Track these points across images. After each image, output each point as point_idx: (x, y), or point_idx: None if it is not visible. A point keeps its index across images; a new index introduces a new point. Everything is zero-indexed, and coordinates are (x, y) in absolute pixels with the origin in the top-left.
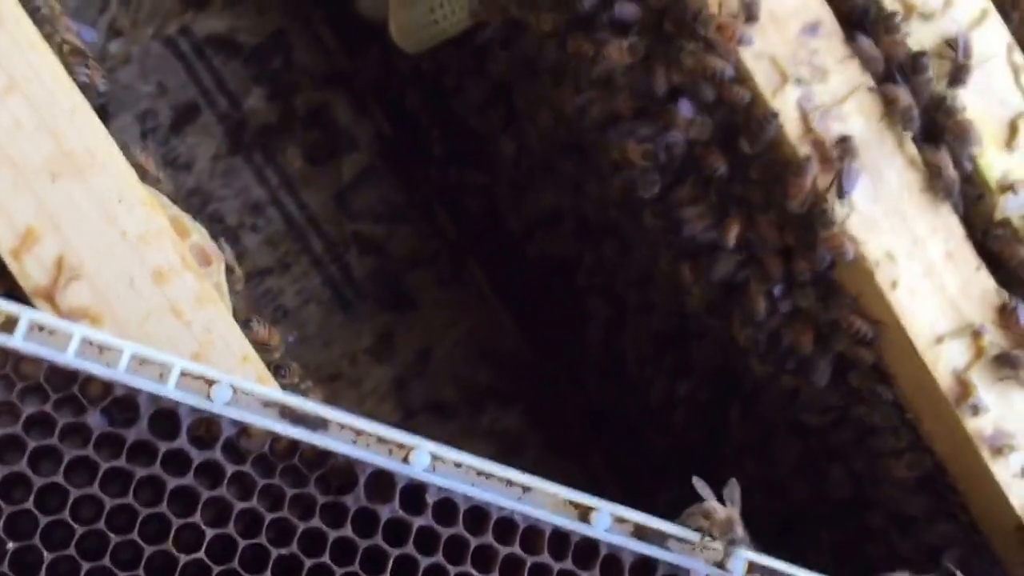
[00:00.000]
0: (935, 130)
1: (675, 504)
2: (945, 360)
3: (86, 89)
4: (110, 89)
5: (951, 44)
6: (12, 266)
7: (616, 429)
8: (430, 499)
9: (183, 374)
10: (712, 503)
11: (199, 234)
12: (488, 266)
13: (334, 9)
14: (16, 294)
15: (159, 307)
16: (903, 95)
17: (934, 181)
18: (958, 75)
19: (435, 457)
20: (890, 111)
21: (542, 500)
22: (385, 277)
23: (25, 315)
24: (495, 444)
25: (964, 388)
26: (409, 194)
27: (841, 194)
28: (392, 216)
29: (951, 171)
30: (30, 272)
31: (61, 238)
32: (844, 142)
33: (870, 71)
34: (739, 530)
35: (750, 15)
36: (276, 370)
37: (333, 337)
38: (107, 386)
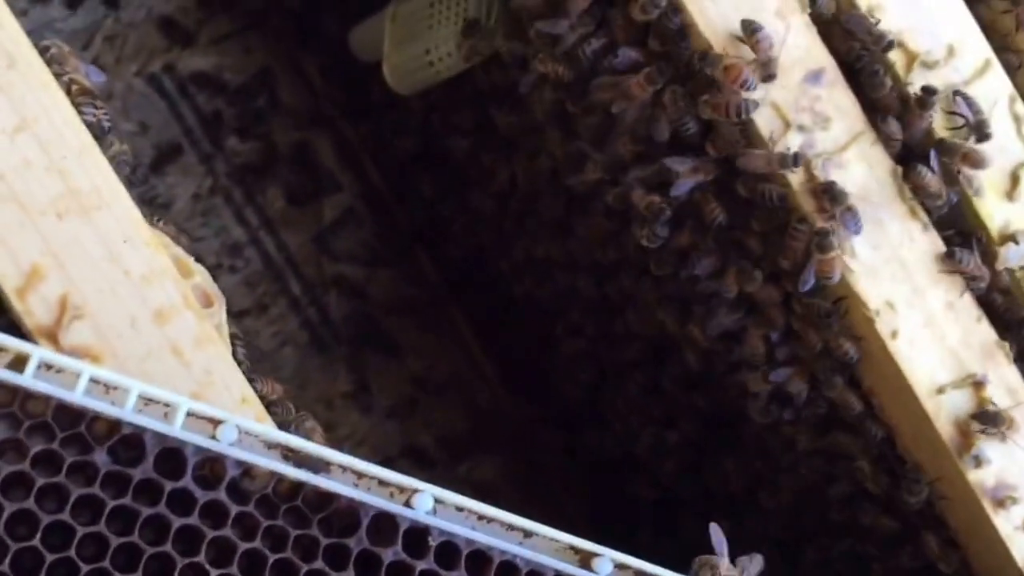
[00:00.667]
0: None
1: (652, 547)
2: (947, 410)
3: (93, 128)
4: (113, 128)
5: (955, 112)
6: (16, 304)
7: (600, 479)
8: (432, 542)
9: (189, 414)
10: (724, 561)
11: (201, 275)
12: (470, 311)
13: (321, 48)
14: (18, 331)
15: (160, 347)
16: (931, 180)
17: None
18: (981, 129)
19: (437, 500)
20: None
21: (544, 545)
22: (364, 321)
23: (36, 353)
24: (471, 492)
25: (966, 439)
26: (391, 237)
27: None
28: (373, 259)
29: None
30: (34, 310)
31: (65, 277)
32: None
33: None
34: None
35: (768, 74)
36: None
37: (309, 380)
38: (113, 425)
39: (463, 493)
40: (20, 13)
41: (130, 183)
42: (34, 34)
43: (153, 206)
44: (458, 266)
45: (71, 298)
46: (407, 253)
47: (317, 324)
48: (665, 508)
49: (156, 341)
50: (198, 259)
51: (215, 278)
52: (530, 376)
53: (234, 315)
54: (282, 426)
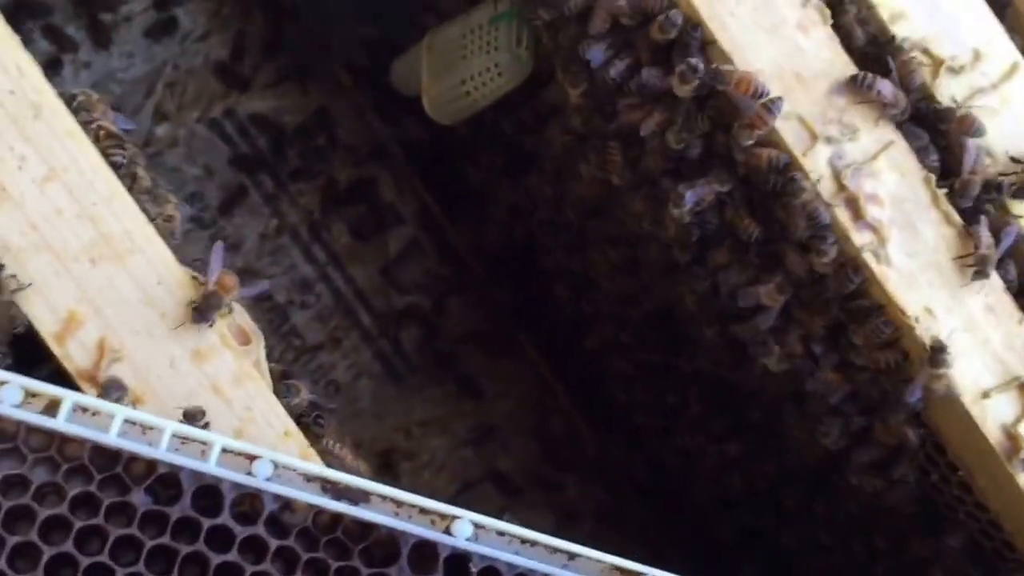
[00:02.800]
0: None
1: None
2: (993, 415)
3: (121, 171)
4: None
5: (1017, 159)
6: (56, 350)
7: (671, 501)
8: (474, 568)
9: (224, 451)
10: None
11: (238, 313)
12: (539, 336)
13: (376, 85)
14: (61, 376)
15: (200, 386)
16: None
17: (970, 257)
18: None
19: (477, 526)
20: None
21: (588, 567)
22: (436, 349)
23: (68, 398)
24: (551, 515)
25: (1015, 443)
26: (456, 266)
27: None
28: (439, 288)
29: (988, 246)
30: (73, 355)
31: (102, 321)
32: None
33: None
34: None
35: None
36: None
37: (386, 410)
38: (150, 465)
39: (545, 519)
40: (83, 65)
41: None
42: (98, 85)
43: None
44: (525, 291)
45: (109, 341)
46: (474, 281)
47: (390, 355)
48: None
49: (196, 380)
50: (269, 297)
51: (287, 315)
52: (603, 402)
53: (309, 350)
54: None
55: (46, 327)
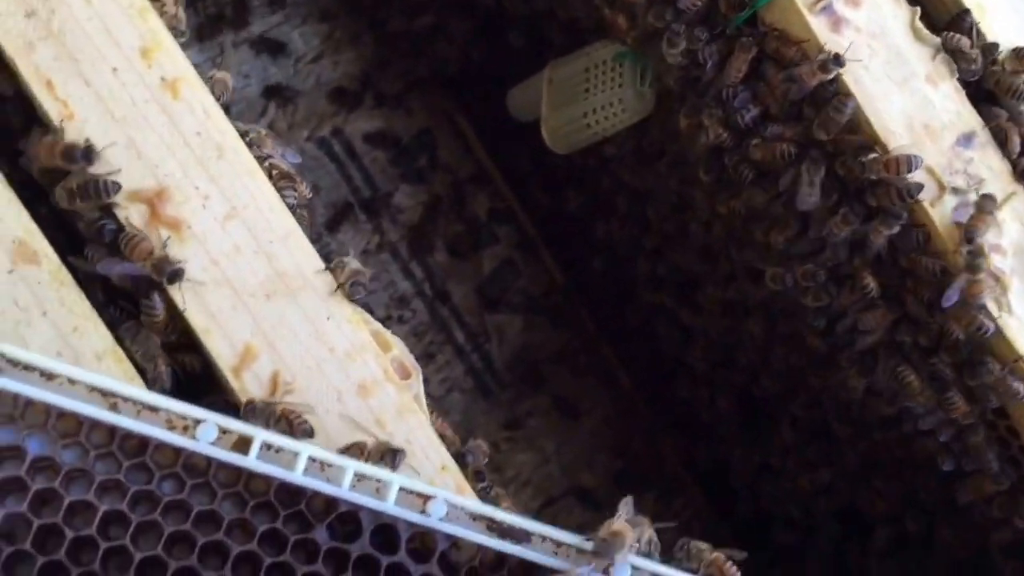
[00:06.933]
0: None
1: None
2: None
3: (293, 211)
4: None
5: None
6: (232, 382)
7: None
8: None
9: (401, 490)
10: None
11: (399, 348)
12: (623, 355)
13: (477, 108)
14: (233, 408)
15: (364, 420)
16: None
17: None
18: None
19: (635, 568)
20: None
21: None
22: (525, 366)
23: (259, 436)
24: None
25: None
26: (547, 286)
27: None
28: (530, 307)
29: None
30: (248, 388)
31: (276, 355)
32: None
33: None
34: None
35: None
36: (476, 475)
37: (476, 424)
38: (330, 502)
39: None
40: None
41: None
42: None
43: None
44: (613, 313)
45: (282, 375)
46: (562, 301)
47: (481, 371)
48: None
49: (360, 413)
50: (368, 311)
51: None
52: (686, 423)
53: None
54: (477, 476)
55: (225, 360)
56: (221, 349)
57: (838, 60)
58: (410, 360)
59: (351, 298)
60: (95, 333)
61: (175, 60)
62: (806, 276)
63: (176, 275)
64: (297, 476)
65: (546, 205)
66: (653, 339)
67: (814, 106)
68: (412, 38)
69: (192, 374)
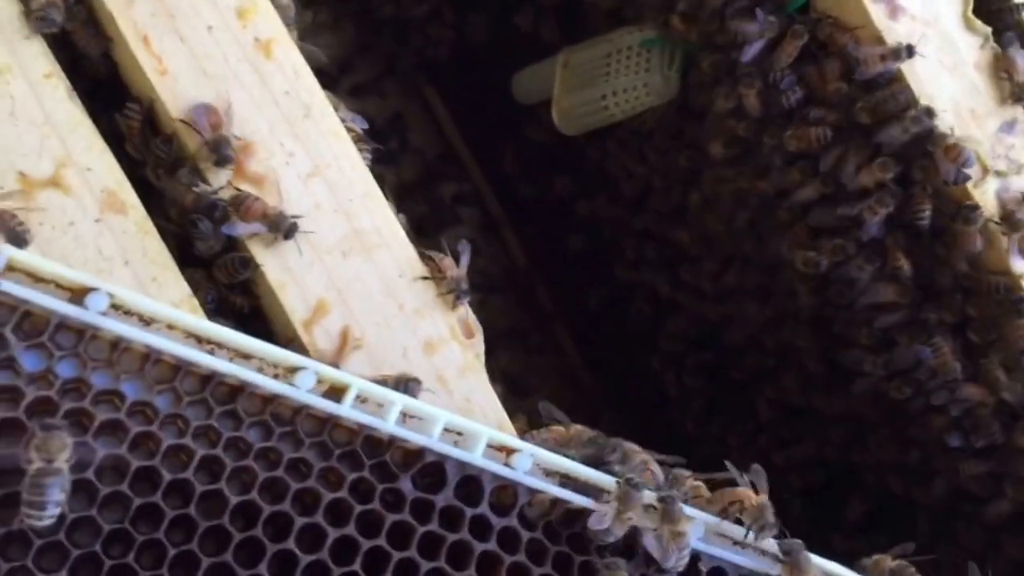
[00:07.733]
0: None
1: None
2: None
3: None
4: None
5: None
6: (303, 336)
7: None
8: (703, 567)
9: (489, 444)
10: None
11: (464, 308)
12: (577, 336)
13: (450, 92)
14: None
15: (427, 376)
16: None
17: None
18: None
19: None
20: None
21: None
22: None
23: (355, 384)
24: None
25: None
26: (507, 267)
27: None
28: (487, 287)
29: None
30: (318, 342)
31: (347, 310)
32: None
33: None
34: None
35: None
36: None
37: None
38: (414, 453)
39: None
40: None
41: None
42: None
43: None
44: (573, 292)
45: (351, 330)
46: (523, 281)
47: None
48: None
49: (424, 370)
50: None
51: None
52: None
53: None
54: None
55: (297, 315)
56: (295, 304)
57: (911, 51)
58: (474, 320)
59: (422, 256)
60: (173, 284)
61: (270, 21)
62: (836, 251)
63: (292, 229)
64: (390, 426)
65: (521, 188)
66: (619, 318)
67: (865, 90)
68: (400, 24)
69: (240, 314)
